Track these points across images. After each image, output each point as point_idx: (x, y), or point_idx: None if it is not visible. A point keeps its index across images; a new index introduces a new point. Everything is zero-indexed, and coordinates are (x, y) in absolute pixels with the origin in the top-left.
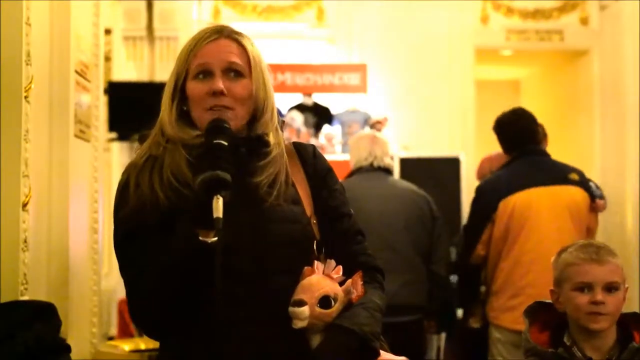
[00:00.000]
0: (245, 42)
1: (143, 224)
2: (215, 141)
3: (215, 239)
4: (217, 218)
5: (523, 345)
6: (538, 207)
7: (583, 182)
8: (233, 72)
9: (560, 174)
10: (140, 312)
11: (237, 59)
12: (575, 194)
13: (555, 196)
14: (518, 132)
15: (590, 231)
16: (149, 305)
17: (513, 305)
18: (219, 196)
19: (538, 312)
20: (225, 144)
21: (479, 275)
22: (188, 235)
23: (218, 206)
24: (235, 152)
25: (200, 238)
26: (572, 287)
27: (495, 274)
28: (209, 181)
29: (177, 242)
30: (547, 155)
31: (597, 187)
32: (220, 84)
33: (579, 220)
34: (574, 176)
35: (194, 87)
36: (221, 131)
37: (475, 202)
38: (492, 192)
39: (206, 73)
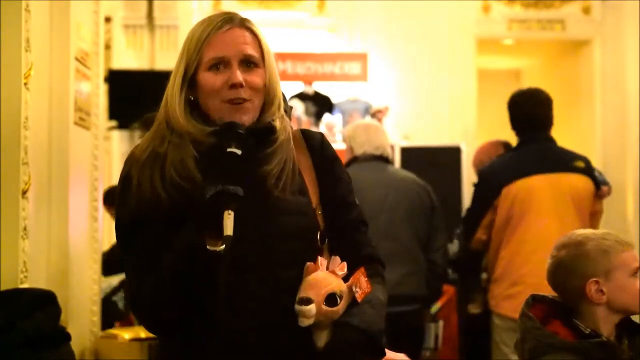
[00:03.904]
0: (257, 30)
1: (145, 222)
2: (228, 149)
3: (223, 247)
4: (228, 236)
5: (557, 346)
6: (540, 195)
7: (588, 170)
8: (248, 63)
9: (565, 162)
10: (143, 311)
11: (252, 50)
12: (580, 181)
13: (558, 184)
14: (526, 115)
15: (595, 215)
16: (153, 305)
17: (512, 294)
18: (230, 211)
19: (536, 306)
20: (239, 152)
21: (479, 261)
22: (195, 242)
23: (229, 222)
24: (245, 146)
25: (208, 247)
26: (630, 273)
27: (496, 262)
28: (221, 196)
29: (184, 247)
30: (553, 141)
31: (600, 173)
32: (239, 76)
33: (582, 209)
34: (580, 164)
35: (209, 78)
36: (235, 137)
37: (478, 186)
38: (495, 177)
39: (222, 64)
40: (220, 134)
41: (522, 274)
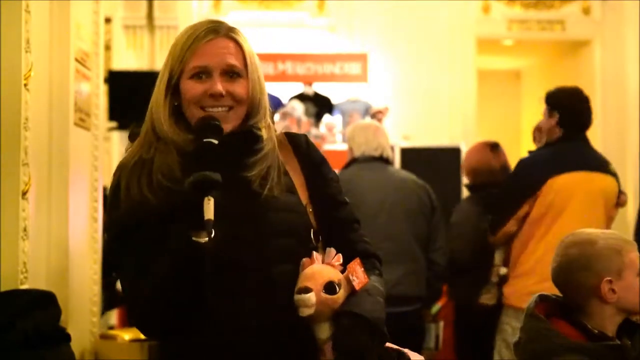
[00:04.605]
0: (241, 40)
1: (133, 226)
2: (205, 140)
3: (207, 239)
4: (208, 220)
5: (568, 347)
6: (581, 191)
7: (616, 175)
8: (231, 73)
9: (602, 163)
10: (138, 314)
11: (235, 61)
12: (612, 184)
13: (597, 183)
14: (581, 112)
15: (610, 221)
16: (147, 307)
17: (543, 289)
18: (209, 197)
19: (538, 306)
20: (215, 142)
21: (492, 255)
22: (181, 236)
23: (209, 207)
24: (226, 147)
25: (194, 239)
26: (637, 273)
27: (523, 256)
28: (199, 182)
29: (171, 244)
30: (589, 142)
31: None
32: (219, 86)
33: (608, 211)
34: (612, 167)
35: (191, 87)
36: (211, 129)
37: (516, 175)
38: (539, 168)
39: (204, 74)
40: (197, 128)
41: None
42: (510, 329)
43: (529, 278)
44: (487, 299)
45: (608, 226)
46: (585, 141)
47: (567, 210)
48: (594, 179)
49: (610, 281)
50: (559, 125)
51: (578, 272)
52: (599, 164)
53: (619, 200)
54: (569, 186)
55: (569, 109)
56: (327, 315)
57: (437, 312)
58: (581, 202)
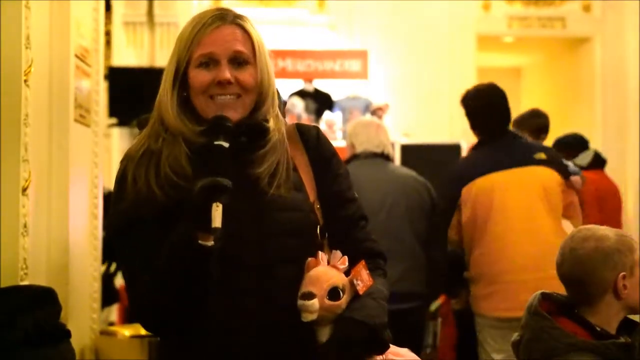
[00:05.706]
0: (249, 27)
1: (138, 219)
2: (216, 142)
3: (212, 243)
4: (216, 228)
5: (578, 346)
6: (503, 191)
7: (551, 161)
8: (239, 60)
9: (525, 155)
10: (140, 310)
11: (242, 47)
12: (542, 173)
13: (521, 178)
14: (490, 114)
15: (572, 206)
16: (148, 304)
17: (489, 293)
18: (218, 203)
19: (543, 304)
20: (226, 145)
21: (462, 259)
22: (187, 238)
23: (217, 214)
24: (235, 142)
25: (200, 242)
26: None
27: (471, 262)
28: (209, 188)
29: (176, 244)
30: (514, 136)
31: (573, 165)
32: (227, 73)
33: (549, 200)
34: (540, 155)
35: (198, 76)
36: (222, 130)
37: (444, 187)
38: (456, 178)
39: (211, 62)
40: (209, 128)
41: (495, 272)
42: (480, 330)
43: (479, 283)
44: (454, 303)
45: (569, 214)
46: (508, 137)
47: (493, 212)
48: (517, 174)
49: (624, 276)
50: (472, 129)
51: (597, 266)
52: (521, 158)
53: (569, 183)
54: (488, 189)
55: (474, 111)
56: (330, 319)
57: (436, 309)
58: (509, 202)
